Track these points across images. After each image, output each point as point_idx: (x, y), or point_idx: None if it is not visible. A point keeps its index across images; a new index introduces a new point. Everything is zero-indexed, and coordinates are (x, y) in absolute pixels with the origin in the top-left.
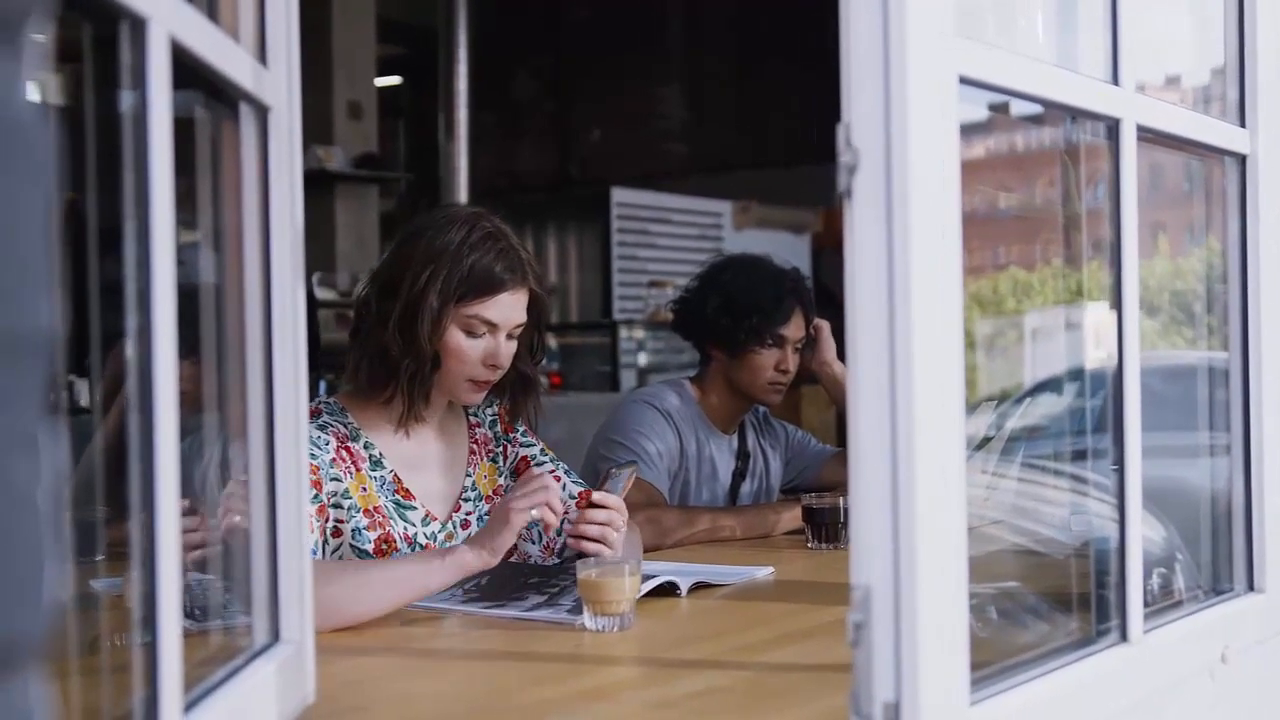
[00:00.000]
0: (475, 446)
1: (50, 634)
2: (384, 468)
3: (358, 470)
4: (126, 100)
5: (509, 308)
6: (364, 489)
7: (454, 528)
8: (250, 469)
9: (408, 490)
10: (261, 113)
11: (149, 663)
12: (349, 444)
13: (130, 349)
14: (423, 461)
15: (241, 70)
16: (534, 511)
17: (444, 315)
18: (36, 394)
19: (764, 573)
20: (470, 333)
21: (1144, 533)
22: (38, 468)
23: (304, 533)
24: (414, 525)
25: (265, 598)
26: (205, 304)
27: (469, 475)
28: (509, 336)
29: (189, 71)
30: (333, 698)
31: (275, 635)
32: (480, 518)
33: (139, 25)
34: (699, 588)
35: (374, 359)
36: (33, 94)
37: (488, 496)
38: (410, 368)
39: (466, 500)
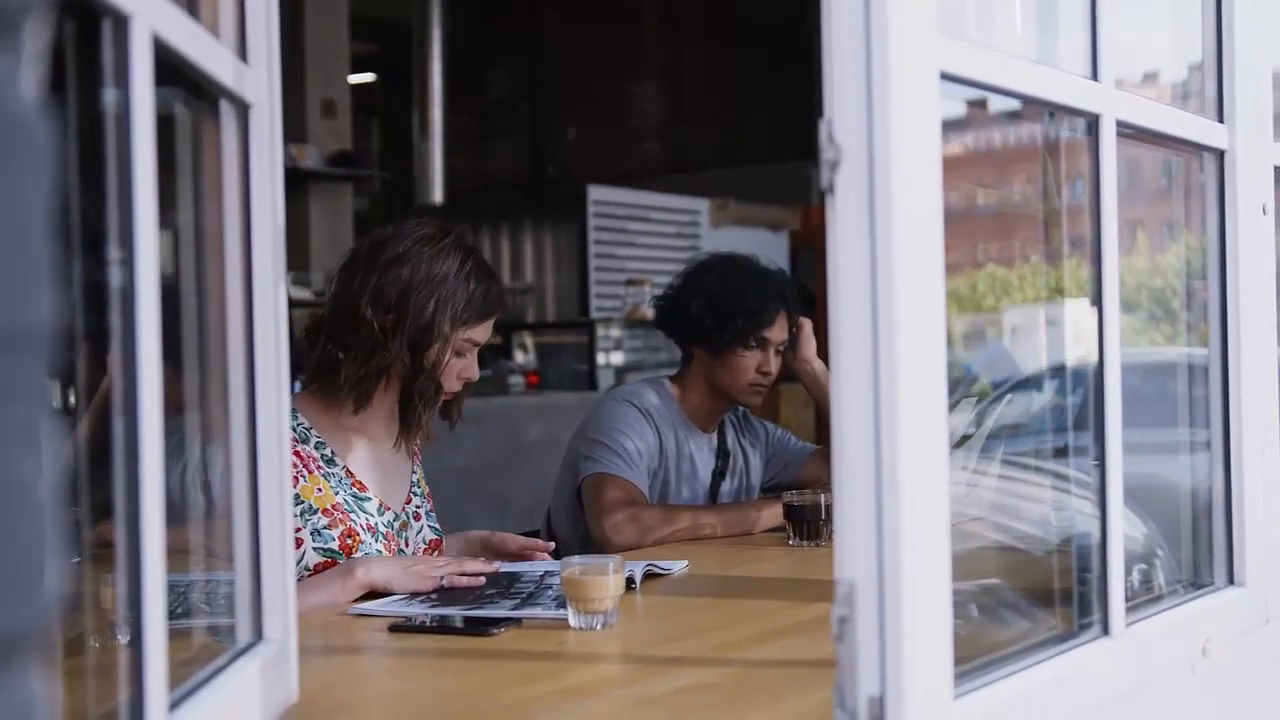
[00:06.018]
0: (415, 448)
1: (51, 629)
2: (337, 465)
3: (310, 472)
4: (108, 97)
5: (491, 328)
6: (319, 489)
7: (407, 518)
8: (232, 469)
9: (361, 483)
10: (242, 110)
11: (134, 662)
12: (299, 447)
13: (113, 350)
14: (374, 459)
15: (223, 67)
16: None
17: (451, 342)
18: (38, 388)
19: (679, 566)
20: (460, 354)
21: (1124, 529)
22: (40, 461)
23: (287, 532)
24: (372, 515)
25: (248, 597)
26: (185, 304)
27: (414, 472)
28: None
29: (168, 68)
30: (315, 697)
31: (258, 634)
32: (429, 512)
33: (121, 22)
34: (649, 577)
35: (376, 376)
36: (32, 90)
37: (427, 494)
38: (425, 391)
39: (416, 494)
